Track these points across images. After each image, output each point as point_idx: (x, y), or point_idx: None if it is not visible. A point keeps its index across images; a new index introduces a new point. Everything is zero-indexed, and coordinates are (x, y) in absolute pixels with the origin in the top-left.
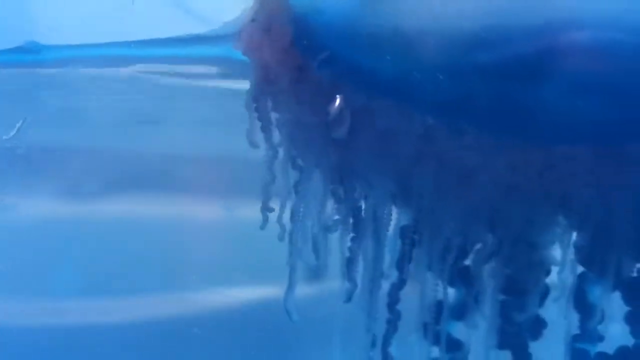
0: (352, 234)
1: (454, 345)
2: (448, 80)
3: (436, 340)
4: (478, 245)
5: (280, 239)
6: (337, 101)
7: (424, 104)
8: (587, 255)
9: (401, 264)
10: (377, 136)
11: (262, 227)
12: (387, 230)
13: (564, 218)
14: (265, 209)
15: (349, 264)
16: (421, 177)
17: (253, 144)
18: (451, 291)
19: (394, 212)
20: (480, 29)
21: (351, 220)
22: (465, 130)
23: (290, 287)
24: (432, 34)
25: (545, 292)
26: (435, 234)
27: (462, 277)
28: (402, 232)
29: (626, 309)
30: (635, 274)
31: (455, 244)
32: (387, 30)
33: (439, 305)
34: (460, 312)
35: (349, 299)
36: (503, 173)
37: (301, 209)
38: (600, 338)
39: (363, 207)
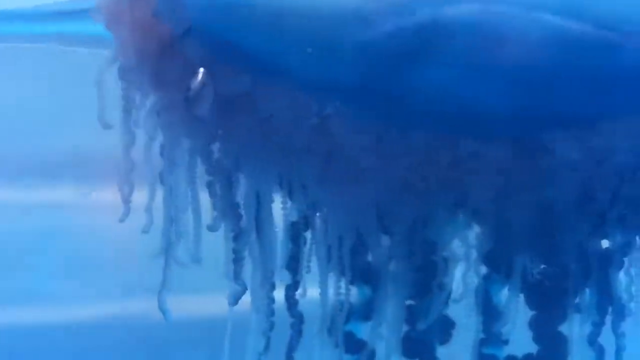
0: (234, 232)
1: (358, 347)
2: (324, 60)
3: (339, 342)
4: (376, 244)
5: (145, 231)
6: (199, 76)
7: (305, 88)
8: (490, 255)
9: (292, 264)
10: (259, 122)
11: (122, 219)
12: (273, 228)
13: (464, 216)
14: (125, 199)
15: (234, 264)
16: (309, 169)
17: (105, 125)
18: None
19: (286, 208)
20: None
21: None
22: (352, 118)
23: (164, 284)
24: (306, 6)
25: (449, 293)
26: (328, 232)
27: (363, 277)
28: (293, 229)
29: (531, 313)
30: (538, 277)
31: (351, 242)
32: (259, 4)
33: (342, 306)
34: (363, 312)
35: (235, 301)
36: (397, 167)
37: (172, 202)
38: (505, 342)
39: (243, 202)
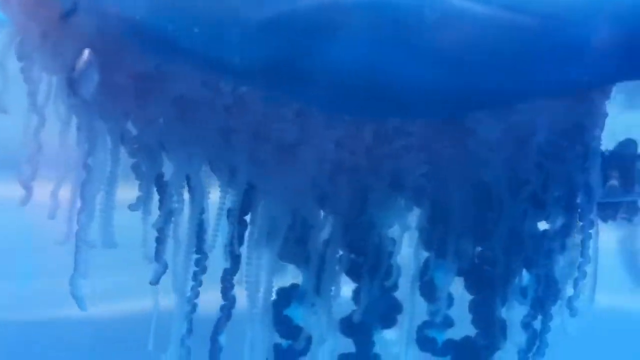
0: (159, 213)
1: (294, 331)
2: (225, 40)
3: (277, 326)
4: (314, 225)
5: (51, 217)
6: (84, 56)
7: (213, 68)
8: (429, 238)
9: (231, 247)
10: (171, 103)
11: (23, 203)
12: (202, 209)
13: (400, 197)
14: (25, 183)
15: (157, 243)
16: (235, 149)
17: (2, 109)
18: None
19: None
20: None
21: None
22: (278, 99)
23: (77, 271)
24: None
25: (391, 275)
26: (264, 214)
27: (302, 260)
28: (229, 212)
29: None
30: (476, 260)
31: (287, 224)
32: None
33: (282, 290)
34: (302, 296)
35: (156, 280)
36: (328, 148)
37: (87, 185)
38: (448, 325)
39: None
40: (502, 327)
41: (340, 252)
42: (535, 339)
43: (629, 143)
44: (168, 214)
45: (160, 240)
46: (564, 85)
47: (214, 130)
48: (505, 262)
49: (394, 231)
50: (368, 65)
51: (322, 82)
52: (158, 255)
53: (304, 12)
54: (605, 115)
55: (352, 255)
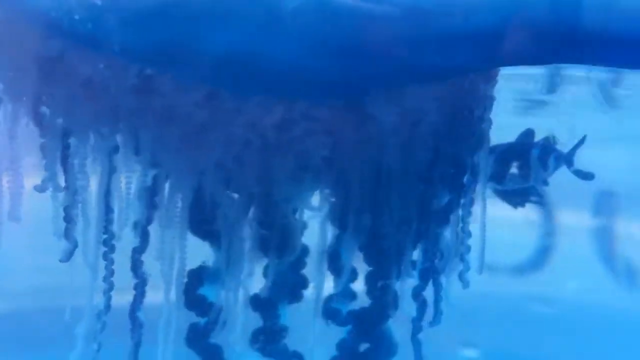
0: (64, 189)
1: (208, 309)
2: (121, 24)
3: (192, 305)
4: (223, 205)
5: None
6: None
7: (117, 52)
8: (334, 214)
9: (139, 226)
10: (79, 86)
11: None
12: (107, 189)
13: (307, 177)
14: None
15: (66, 221)
16: (143, 131)
17: None
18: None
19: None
20: None
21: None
22: (176, 78)
23: None
24: None
25: (302, 252)
26: (174, 192)
27: (211, 238)
28: (140, 192)
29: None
30: (376, 235)
31: (196, 203)
32: None
33: (193, 270)
34: (214, 275)
35: (67, 258)
36: (235, 131)
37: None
38: (352, 297)
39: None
40: (393, 298)
41: (250, 230)
42: (426, 308)
43: (527, 132)
44: (74, 194)
45: (68, 219)
46: (436, 72)
47: (124, 112)
48: (397, 237)
49: (301, 209)
50: (247, 50)
51: (208, 65)
52: (67, 233)
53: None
54: (493, 98)
55: (262, 232)
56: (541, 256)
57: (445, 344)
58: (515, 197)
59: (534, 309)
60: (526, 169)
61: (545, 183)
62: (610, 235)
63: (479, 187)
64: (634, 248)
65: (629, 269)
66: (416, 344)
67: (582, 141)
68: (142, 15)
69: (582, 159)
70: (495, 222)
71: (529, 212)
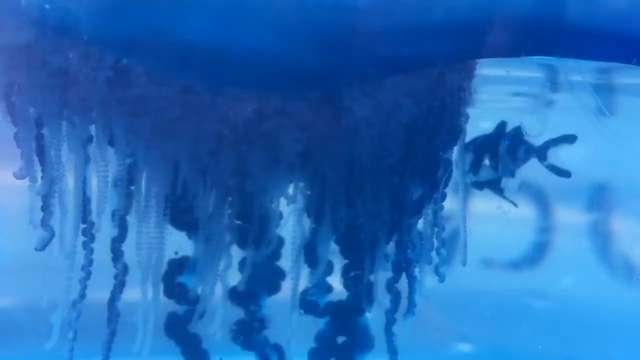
0: (41, 179)
1: (188, 298)
2: (93, 14)
3: (171, 294)
4: (199, 196)
5: None
6: None
7: (91, 42)
8: (310, 207)
9: (116, 215)
10: (50, 75)
11: None
12: (84, 179)
13: (282, 169)
14: None
15: (43, 211)
16: (117, 122)
17: None
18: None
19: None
20: None
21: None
22: (151, 70)
23: None
24: None
25: (279, 244)
26: (150, 183)
27: (190, 228)
28: (115, 182)
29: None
30: (351, 227)
31: (174, 193)
32: None
33: (173, 260)
34: (194, 264)
35: (43, 247)
36: (209, 125)
37: None
38: (328, 290)
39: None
40: (369, 290)
41: (227, 221)
42: (400, 300)
43: (500, 124)
44: (50, 182)
45: (45, 208)
46: (407, 63)
47: (92, 102)
48: (371, 229)
49: (278, 201)
50: (218, 39)
51: (179, 54)
52: (44, 222)
53: None
54: (470, 92)
55: (239, 223)
56: (537, 252)
57: (440, 338)
58: (488, 187)
59: (529, 304)
60: (496, 160)
61: (513, 175)
62: (607, 231)
63: (459, 181)
64: (631, 244)
65: (625, 264)
66: (389, 336)
67: (561, 139)
68: (112, 4)
69: (576, 155)
70: (491, 218)
71: (525, 208)
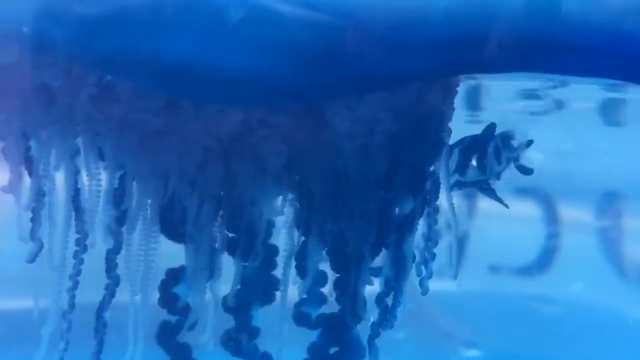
0: (30, 190)
1: (182, 309)
2: (74, 32)
3: (165, 304)
4: (190, 208)
5: None
6: None
7: (74, 59)
8: (299, 220)
9: (113, 228)
10: (34, 92)
11: None
12: (76, 190)
13: (269, 181)
14: None
15: (32, 222)
16: (104, 136)
17: None
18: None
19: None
20: None
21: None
22: (140, 89)
23: None
24: None
25: (272, 254)
26: (141, 196)
27: (183, 240)
28: (114, 194)
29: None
30: (338, 241)
31: (166, 205)
32: None
33: (171, 270)
34: (187, 274)
35: (32, 259)
36: (195, 138)
37: None
38: (322, 302)
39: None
40: (361, 304)
41: (219, 232)
42: (387, 314)
43: (490, 126)
44: (39, 195)
45: (34, 220)
46: (386, 80)
47: (79, 118)
48: (358, 243)
49: (267, 212)
50: (197, 59)
51: (159, 73)
52: (32, 234)
53: (134, 8)
54: (452, 108)
55: (231, 234)
56: (546, 257)
57: (448, 344)
58: (476, 188)
59: (538, 309)
60: (483, 162)
61: (498, 177)
62: (617, 235)
63: (445, 192)
64: None
65: (635, 269)
66: (373, 348)
67: (528, 143)
68: (93, 24)
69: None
70: (500, 223)
71: (534, 213)
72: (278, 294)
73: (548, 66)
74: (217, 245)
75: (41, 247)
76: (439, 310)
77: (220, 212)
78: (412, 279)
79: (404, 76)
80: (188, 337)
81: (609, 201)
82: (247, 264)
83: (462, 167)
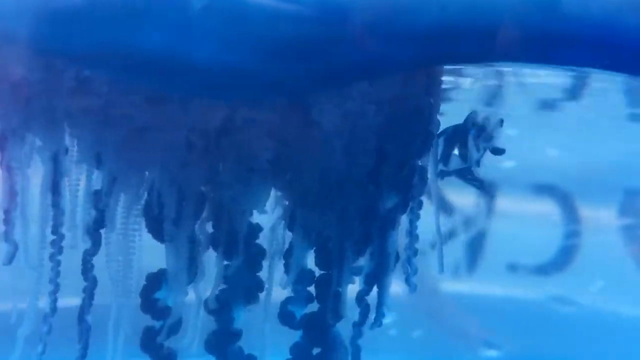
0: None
1: (165, 313)
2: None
3: (147, 309)
4: (174, 206)
5: None
6: None
7: (51, 53)
8: (285, 215)
9: (91, 229)
10: (13, 86)
11: None
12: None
13: (255, 179)
14: None
15: (5, 224)
16: (86, 131)
17: None
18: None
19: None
20: None
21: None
22: (116, 80)
23: None
24: None
25: (259, 254)
26: (122, 193)
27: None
28: (94, 195)
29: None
30: (324, 238)
31: (148, 203)
32: None
33: (152, 274)
34: (170, 277)
35: (9, 261)
36: (179, 133)
37: None
38: (309, 300)
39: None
40: (340, 302)
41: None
42: (368, 313)
43: (471, 114)
44: (12, 195)
45: (7, 222)
46: (368, 71)
47: (58, 112)
48: (342, 240)
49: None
50: (166, 48)
51: (132, 63)
52: (7, 235)
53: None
54: (439, 100)
55: (213, 233)
56: (565, 257)
57: (467, 344)
58: (458, 177)
59: (558, 310)
60: (464, 150)
61: (478, 164)
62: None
63: (432, 186)
64: None
65: None
66: (355, 348)
67: (499, 122)
68: (68, 17)
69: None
70: (518, 222)
71: (552, 212)
72: (262, 295)
73: (542, 57)
74: (199, 244)
75: (16, 248)
76: (458, 309)
77: (204, 210)
78: (426, 278)
79: (386, 66)
80: (172, 341)
81: (631, 199)
82: (229, 262)
83: (445, 157)
